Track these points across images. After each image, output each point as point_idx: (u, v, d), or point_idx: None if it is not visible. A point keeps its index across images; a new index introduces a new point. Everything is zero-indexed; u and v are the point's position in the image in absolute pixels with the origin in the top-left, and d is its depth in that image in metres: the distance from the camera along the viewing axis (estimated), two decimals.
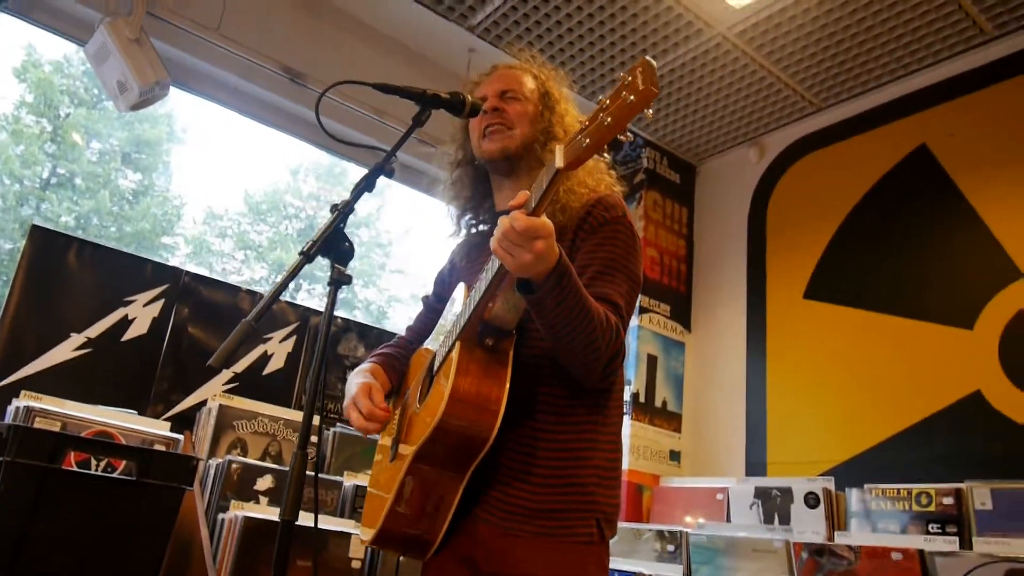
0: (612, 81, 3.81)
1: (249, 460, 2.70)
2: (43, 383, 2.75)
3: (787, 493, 3.17)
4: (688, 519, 3.50)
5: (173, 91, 3.29)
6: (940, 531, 2.72)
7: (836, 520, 3.04)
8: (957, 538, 2.63)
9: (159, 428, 2.57)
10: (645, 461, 3.89)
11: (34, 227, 2.96)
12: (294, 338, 3.42)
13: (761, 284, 4.04)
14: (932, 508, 2.78)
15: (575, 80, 3.82)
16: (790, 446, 3.63)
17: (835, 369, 3.55)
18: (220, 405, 2.84)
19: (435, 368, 1.63)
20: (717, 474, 3.84)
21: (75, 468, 2.24)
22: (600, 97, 1.17)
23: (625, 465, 3.75)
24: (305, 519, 1.40)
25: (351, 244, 1.44)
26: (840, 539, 2.87)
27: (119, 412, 2.57)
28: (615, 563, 3.12)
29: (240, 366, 3.25)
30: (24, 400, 2.35)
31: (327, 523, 2.57)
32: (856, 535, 2.91)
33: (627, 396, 3.90)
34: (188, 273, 3.24)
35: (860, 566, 2.69)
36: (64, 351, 2.88)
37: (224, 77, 3.59)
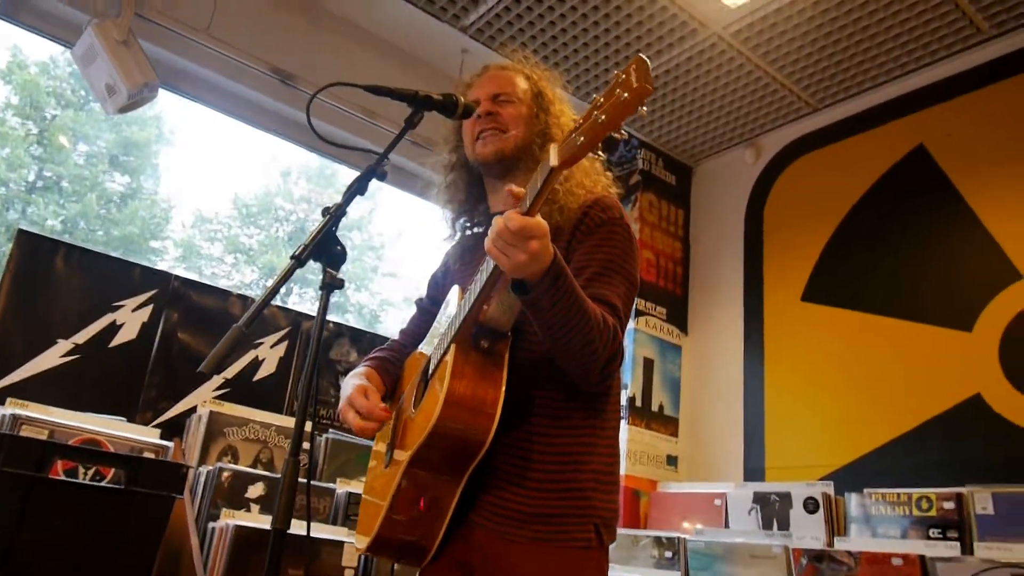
0: (607, 82, 3.80)
1: (240, 467, 2.69)
2: (30, 390, 2.73)
3: (786, 498, 3.17)
4: (686, 525, 3.50)
5: (162, 93, 3.29)
6: (941, 536, 2.72)
7: (836, 525, 3.04)
8: (958, 543, 2.64)
9: (148, 435, 2.56)
10: (642, 466, 3.89)
11: (20, 231, 2.95)
12: (285, 343, 3.41)
13: (758, 286, 4.04)
14: (933, 513, 2.79)
15: (569, 80, 3.81)
16: (789, 450, 3.64)
17: (834, 372, 3.55)
18: (210, 412, 2.83)
19: (430, 371, 1.63)
20: (715, 479, 3.84)
21: (62, 477, 2.23)
22: (594, 96, 1.18)
23: (622, 470, 3.75)
24: (297, 527, 1.40)
25: (343, 247, 1.44)
26: (840, 545, 2.87)
27: (107, 419, 2.56)
28: (612, 570, 3.11)
29: (231, 372, 3.25)
30: (10, 408, 2.34)
31: (320, 531, 2.56)
32: (856, 540, 2.91)
33: (623, 400, 3.90)
34: (177, 278, 3.23)
35: (860, 572, 2.69)
36: (51, 358, 2.87)
37: (214, 79, 3.58)
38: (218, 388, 3.20)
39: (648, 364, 4.08)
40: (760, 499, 3.26)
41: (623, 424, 3.86)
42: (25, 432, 2.29)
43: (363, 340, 3.66)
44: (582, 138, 1.19)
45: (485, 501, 1.52)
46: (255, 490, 2.63)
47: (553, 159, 1.23)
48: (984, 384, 3.04)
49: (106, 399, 2.89)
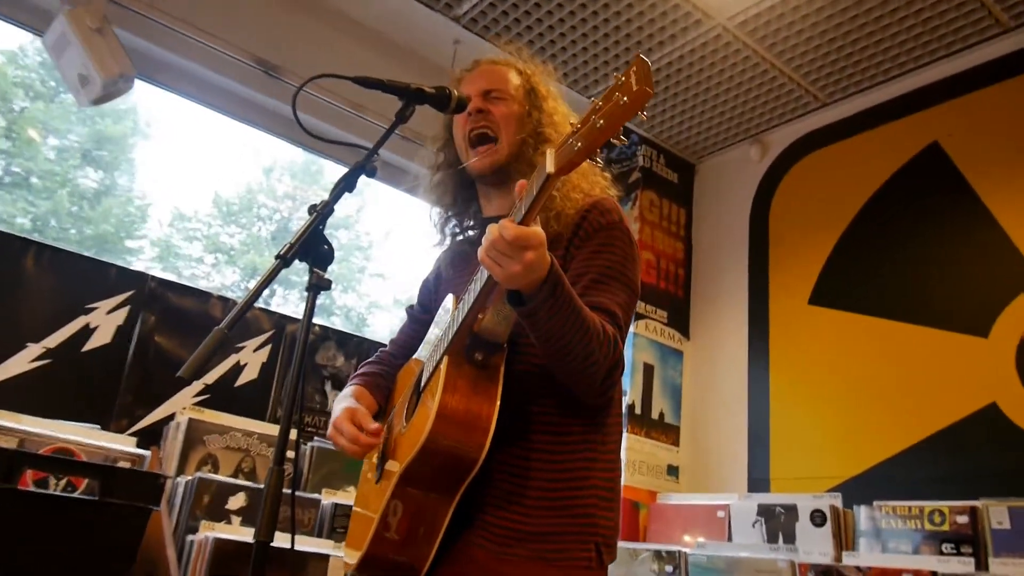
0: (605, 75, 3.82)
1: (221, 477, 2.68)
2: None
3: (792, 510, 3.18)
4: (687, 538, 3.50)
5: (138, 84, 3.27)
6: (954, 551, 2.72)
7: (844, 539, 3.05)
8: (973, 559, 2.64)
9: (123, 444, 2.55)
10: (641, 476, 3.89)
11: None
12: (269, 347, 3.40)
13: (763, 289, 4.05)
14: (946, 527, 2.79)
15: (566, 73, 3.83)
16: (795, 461, 3.64)
17: (842, 379, 3.56)
18: (189, 419, 2.82)
19: (422, 384, 1.63)
20: (718, 490, 3.84)
21: (32, 488, 2.22)
22: (593, 95, 1.18)
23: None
24: (281, 540, 1.39)
25: (331, 247, 1.44)
26: (848, 560, 2.87)
27: (80, 427, 2.55)
28: None
29: (211, 377, 3.24)
30: None
31: (304, 544, 2.56)
32: (865, 555, 2.92)
33: (623, 408, 3.90)
34: (155, 278, 3.22)
35: None
36: (21, 362, 2.86)
37: (193, 69, 3.57)
38: (197, 394, 3.19)
39: (648, 370, 4.09)
40: (765, 511, 3.26)
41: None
42: None
43: (350, 344, 3.66)
44: (580, 144, 1.19)
45: (481, 520, 1.52)
46: (236, 501, 2.62)
47: (549, 166, 1.22)
48: (1000, 392, 3.05)
49: (79, 406, 2.88)
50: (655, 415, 4.05)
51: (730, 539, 3.35)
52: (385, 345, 2.05)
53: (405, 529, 1.52)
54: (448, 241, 1.96)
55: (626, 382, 3.97)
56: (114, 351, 3.05)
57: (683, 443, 4.13)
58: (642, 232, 4.23)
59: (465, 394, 1.45)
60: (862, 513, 3.03)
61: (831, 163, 3.95)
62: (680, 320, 4.33)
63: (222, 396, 3.22)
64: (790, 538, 3.14)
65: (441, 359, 1.50)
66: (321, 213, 1.45)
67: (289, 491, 1.38)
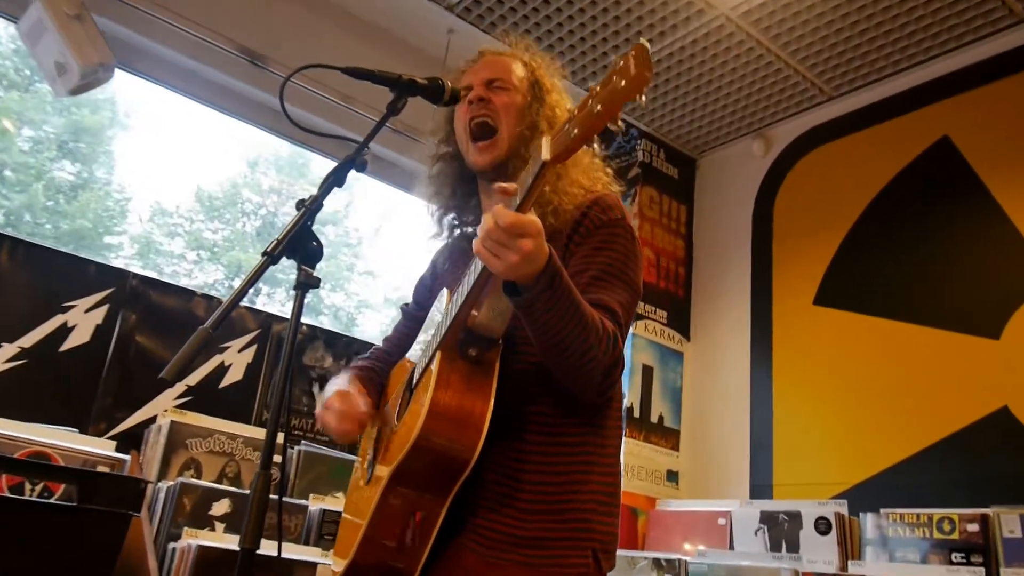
0: (604, 67, 3.82)
1: (204, 482, 2.68)
2: None
3: (796, 518, 3.19)
4: (687, 546, 3.50)
5: (118, 74, 3.26)
6: (964, 561, 2.73)
7: (849, 548, 3.06)
8: (983, 569, 2.65)
9: (102, 447, 2.55)
10: (640, 482, 3.90)
11: None
12: (254, 347, 3.40)
13: (767, 288, 4.06)
14: (955, 535, 2.80)
15: (563, 64, 3.82)
16: (799, 466, 3.65)
17: (848, 382, 3.57)
18: (171, 422, 2.82)
19: (414, 381, 1.63)
20: (719, 497, 3.85)
21: (7, 493, 2.22)
22: (591, 84, 1.18)
23: None
24: (267, 548, 1.39)
25: (320, 244, 1.44)
26: (854, 569, 2.89)
27: (57, 430, 2.55)
28: None
29: (194, 378, 3.23)
30: None
31: (291, 552, 2.56)
32: (872, 565, 2.93)
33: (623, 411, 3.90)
34: (136, 275, 3.22)
35: None
36: None
37: (176, 58, 3.56)
38: (180, 396, 3.19)
39: (647, 372, 4.09)
40: (768, 519, 3.27)
41: None
42: None
43: (339, 344, 3.66)
44: (576, 130, 1.19)
45: (473, 524, 1.52)
46: (220, 507, 2.62)
47: (545, 152, 1.23)
48: (1012, 396, 3.06)
49: (56, 408, 2.87)
50: (654, 418, 4.06)
51: (731, 547, 3.35)
52: (375, 345, 2.06)
53: (396, 532, 1.51)
54: (446, 235, 1.96)
55: (624, 384, 3.95)
56: (93, 351, 3.04)
57: (683, 447, 4.14)
58: (641, 229, 4.24)
59: (458, 390, 1.45)
60: (868, 521, 3.04)
61: (837, 158, 3.96)
62: (680, 320, 4.33)
63: (205, 398, 3.21)
64: (794, 547, 3.15)
65: (434, 355, 1.50)
66: (310, 208, 1.45)
67: (275, 496, 1.39)
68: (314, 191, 1.49)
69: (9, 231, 3.24)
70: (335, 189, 1.52)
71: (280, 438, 1.34)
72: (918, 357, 3.35)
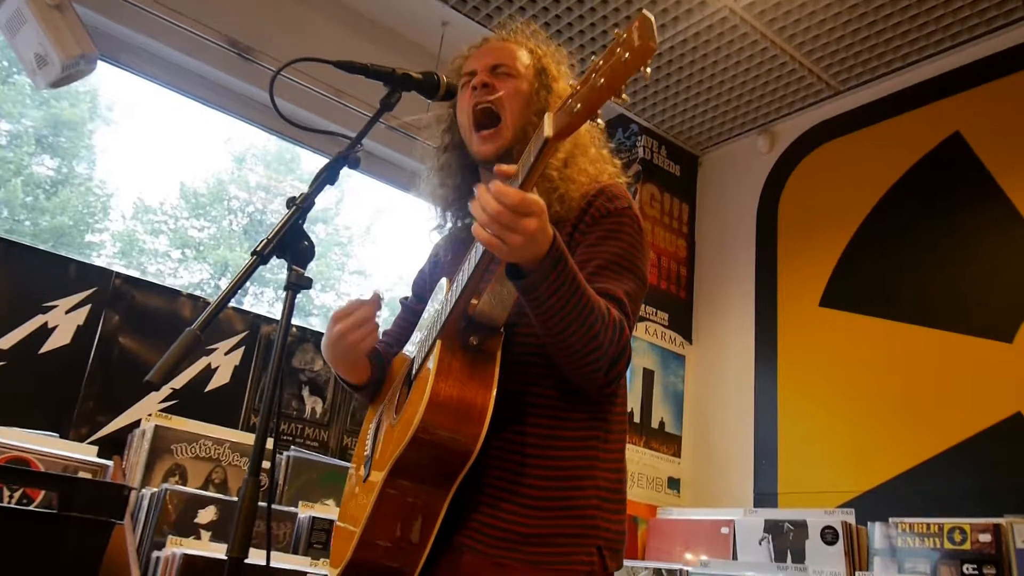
0: None
1: (189, 489, 2.68)
2: None
3: (801, 527, 3.19)
4: (689, 556, 3.51)
5: (100, 66, 3.25)
6: (976, 572, 2.74)
7: (857, 558, 3.06)
8: None
9: (84, 453, 2.54)
10: (640, 489, 3.90)
11: None
12: (242, 349, 3.40)
13: (771, 290, 4.06)
14: (967, 546, 2.81)
15: None
16: (804, 474, 3.65)
17: (855, 387, 3.57)
18: (156, 426, 2.82)
19: (413, 373, 1.63)
20: (722, 505, 3.85)
21: None
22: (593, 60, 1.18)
23: None
24: (256, 556, 1.39)
25: (311, 243, 1.43)
26: None
27: (37, 435, 2.54)
28: None
29: (179, 381, 3.23)
30: None
31: (280, 561, 2.56)
32: None
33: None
34: (119, 275, 3.21)
35: None
36: None
37: (160, 50, 3.56)
38: (164, 400, 3.18)
39: (648, 376, 4.10)
40: (772, 528, 3.28)
41: None
42: None
43: None
44: (579, 105, 1.19)
45: (474, 521, 1.51)
46: (206, 515, 2.62)
47: (547, 129, 1.22)
48: None
49: (35, 412, 2.87)
50: (655, 424, 4.06)
51: (735, 557, 3.36)
52: None
53: (395, 530, 1.50)
54: (448, 226, 1.96)
55: None
56: (74, 353, 3.04)
57: (685, 454, 4.14)
58: None
59: (459, 381, 1.44)
60: (876, 530, 3.04)
61: (844, 155, 3.96)
62: (682, 323, 4.34)
63: (191, 402, 3.21)
64: (799, 557, 3.16)
65: (434, 344, 1.49)
66: (301, 207, 1.44)
67: (264, 504, 1.38)
68: (303, 188, 1.49)
69: None
70: (327, 186, 1.52)
71: (269, 443, 1.33)
72: (928, 361, 3.36)
